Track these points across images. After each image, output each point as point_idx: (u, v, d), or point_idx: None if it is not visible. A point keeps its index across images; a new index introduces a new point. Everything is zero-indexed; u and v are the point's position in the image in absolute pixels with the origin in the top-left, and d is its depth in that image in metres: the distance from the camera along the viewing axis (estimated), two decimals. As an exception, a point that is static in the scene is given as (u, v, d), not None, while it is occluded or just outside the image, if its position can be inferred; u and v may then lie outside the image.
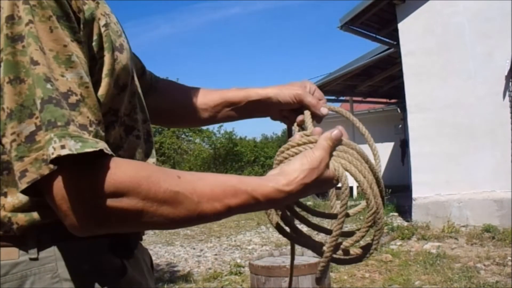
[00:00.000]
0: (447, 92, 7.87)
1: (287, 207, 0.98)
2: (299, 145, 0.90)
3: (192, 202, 0.73)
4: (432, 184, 7.52)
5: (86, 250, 0.80)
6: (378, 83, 14.01)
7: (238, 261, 6.61)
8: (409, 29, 8.38)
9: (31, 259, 0.76)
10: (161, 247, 8.05)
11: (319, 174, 0.83)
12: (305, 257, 3.57)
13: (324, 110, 1.07)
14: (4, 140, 0.70)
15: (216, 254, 7.27)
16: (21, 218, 0.76)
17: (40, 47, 0.69)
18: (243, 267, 6.10)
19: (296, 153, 0.89)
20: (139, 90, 0.94)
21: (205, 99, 1.17)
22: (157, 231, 9.69)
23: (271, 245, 7.68)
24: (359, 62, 12.19)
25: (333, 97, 14.25)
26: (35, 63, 0.68)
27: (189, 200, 0.73)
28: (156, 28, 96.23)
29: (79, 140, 0.66)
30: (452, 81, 7.87)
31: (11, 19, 0.70)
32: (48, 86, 0.67)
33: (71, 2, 0.75)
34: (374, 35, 9.65)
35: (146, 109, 0.95)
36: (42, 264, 0.77)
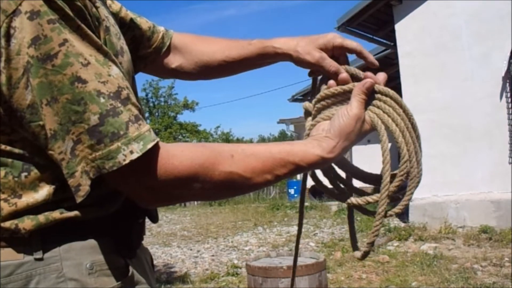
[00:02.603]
0: (444, 93, 7.88)
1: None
2: (334, 95, 0.94)
3: (245, 178, 0.81)
4: (429, 185, 7.50)
5: (91, 250, 0.81)
6: (375, 84, 13.98)
7: (235, 262, 6.60)
8: (406, 30, 8.39)
9: (36, 259, 0.77)
10: (158, 248, 8.03)
11: (357, 134, 0.90)
12: (302, 258, 3.56)
13: (342, 76, 1.01)
14: (54, 157, 0.74)
15: (213, 255, 7.25)
16: (28, 223, 0.76)
17: (82, 62, 0.71)
18: (240, 268, 6.09)
19: (334, 103, 0.94)
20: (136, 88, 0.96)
21: (223, 55, 1.17)
22: (153, 232, 9.68)
23: (268, 246, 7.67)
24: (356, 63, 12.16)
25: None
26: (84, 81, 0.71)
27: (242, 178, 0.81)
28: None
29: (140, 139, 0.72)
30: (449, 82, 7.88)
31: (37, 40, 0.70)
32: (102, 100, 0.71)
33: (88, 9, 0.77)
34: (371, 36, 9.66)
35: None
36: (47, 264, 0.77)
